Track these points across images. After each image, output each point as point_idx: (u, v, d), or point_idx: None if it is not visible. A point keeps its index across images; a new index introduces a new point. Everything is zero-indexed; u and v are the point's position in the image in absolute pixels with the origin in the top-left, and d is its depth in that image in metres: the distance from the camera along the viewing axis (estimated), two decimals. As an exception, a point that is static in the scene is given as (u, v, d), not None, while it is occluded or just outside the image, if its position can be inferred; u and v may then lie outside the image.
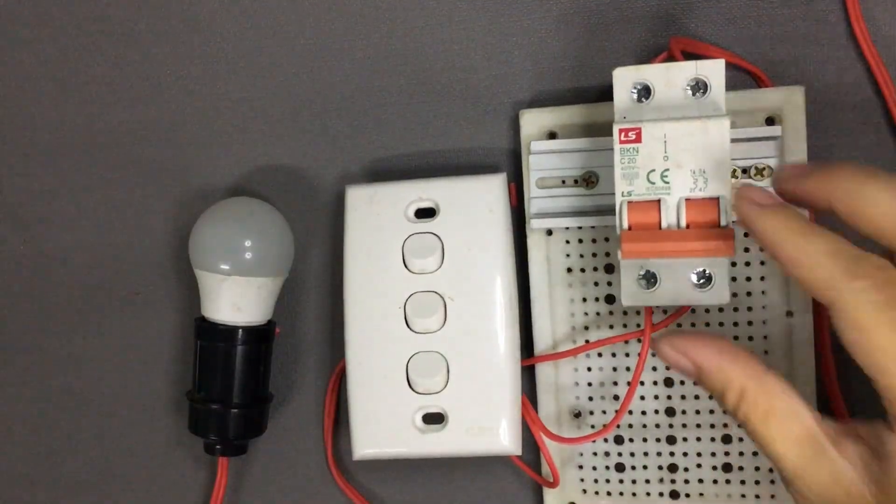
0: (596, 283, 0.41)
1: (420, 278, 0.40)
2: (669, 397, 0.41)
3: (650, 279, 0.37)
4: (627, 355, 0.41)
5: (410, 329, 0.40)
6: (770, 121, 0.39)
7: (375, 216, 0.41)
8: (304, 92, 0.45)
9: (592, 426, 0.42)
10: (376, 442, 0.41)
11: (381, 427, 0.41)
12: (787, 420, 0.29)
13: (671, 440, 0.41)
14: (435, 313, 0.40)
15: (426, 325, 0.40)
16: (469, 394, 0.40)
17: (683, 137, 0.35)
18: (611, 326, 0.41)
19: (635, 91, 0.36)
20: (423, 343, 0.40)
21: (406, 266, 0.41)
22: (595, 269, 0.41)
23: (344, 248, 0.41)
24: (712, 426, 0.40)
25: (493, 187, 0.40)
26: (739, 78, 0.40)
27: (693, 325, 0.40)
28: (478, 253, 0.40)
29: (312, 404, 0.46)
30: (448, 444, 0.40)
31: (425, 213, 0.41)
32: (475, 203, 0.40)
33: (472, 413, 0.40)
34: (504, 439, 0.40)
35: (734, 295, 0.40)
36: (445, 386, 0.40)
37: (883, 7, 0.40)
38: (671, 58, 0.40)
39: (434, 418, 0.41)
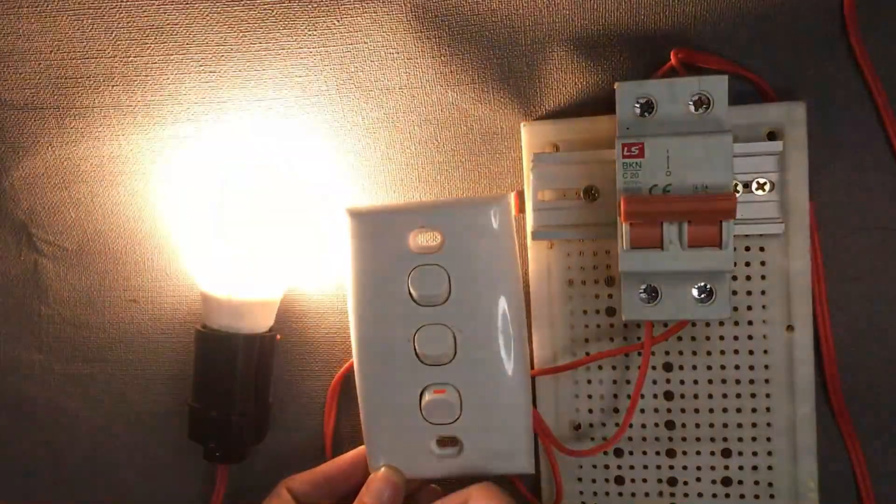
0: (596, 296, 0.41)
1: (428, 311, 0.40)
2: (669, 411, 0.41)
3: (651, 293, 0.37)
4: (627, 368, 0.41)
5: (421, 361, 0.40)
6: (772, 136, 0.39)
7: (379, 247, 0.40)
8: (308, 102, 0.45)
9: (592, 439, 0.42)
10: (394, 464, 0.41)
11: (398, 455, 0.41)
12: None
13: (671, 454, 0.41)
14: (444, 346, 0.40)
15: (436, 358, 0.40)
16: (483, 421, 0.40)
17: (686, 153, 0.35)
18: (611, 339, 0.41)
19: (638, 105, 0.37)
20: (434, 375, 0.40)
21: (413, 298, 0.40)
22: (596, 281, 0.41)
23: (348, 280, 0.41)
24: (712, 440, 0.41)
25: (497, 213, 0.39)
26: (741, 87, 0.40)
27: (693, 338, 0.40)
28: (485, 283, 0.39)
29: (312, 412, 0.46)
30: (464, 467, 0.40)
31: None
32: (480, 231, 0.39)
33: (487, 439, 0.40)
34: (519, 462, 0.40)
35: (735, 309, 0.40)
36: (459, 416, 0.40)
37: (878, 23, 0.40)
38: (673, 69, 0.40)
39: (449, 441, 0.41)
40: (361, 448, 0.42)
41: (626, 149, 0.36)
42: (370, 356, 0.40)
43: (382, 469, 0.40)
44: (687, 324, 0.40)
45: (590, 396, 0.42)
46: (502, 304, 0.39)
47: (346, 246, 0.41)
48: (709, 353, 0.40)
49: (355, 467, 0.42)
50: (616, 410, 0.41)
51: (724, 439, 0.40)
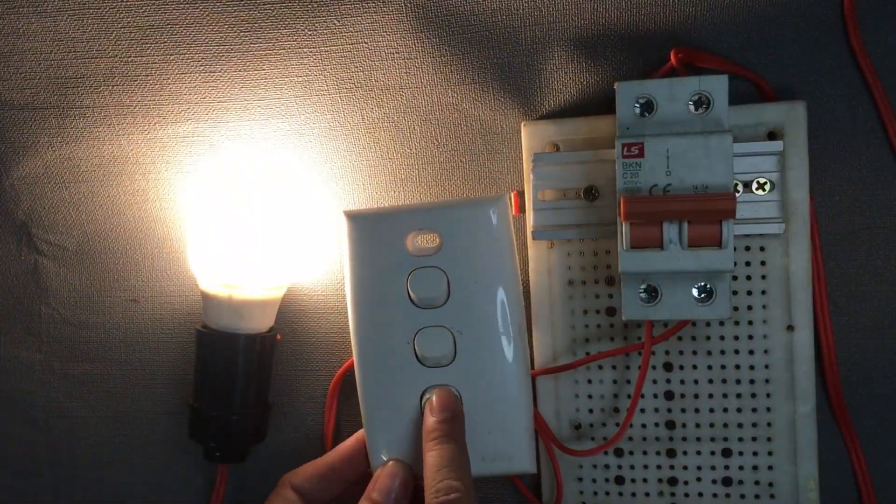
0: (597, 296, 0.41)
1: (427, 313, 0.40)
2: (670, 410, 0.41)
3: (651, 293, 0.37)
4: (628, 368, 0.41)
5: (421, 364, 0.40)
6: (772, 136, 0.39)
7: (377, 250, 0.40)
8: (306, 106, 0.45)
9: (592, 438, 0.42)
10: None
11: (399, 457, 0.40)
12: None
13: (671, 453, 0.41)
14: (444, 348, 0.40)
15: (436, 360, 0.40)
16: (484, 422, 0.40)
17: (686, 153, 0.35)
18: (611, 339, 0.41)
19: (638, 105, 0.37)
20: (434, 377, 0.40)
21: (412, 301, 0.40)
22: (596, 281, 0.41)
23: (347, 283, 0.41)
24: (712, 440, 0.41)
25: (495, 213, 0.39)
26: (741, 87, 0.40)
27: (693, 338, 0.40)
28: (485, 284, 0.39)
29: (313, 411, 0.46)
30: None
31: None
32: (478, 232, 0.39)
33: (489, 440, 0.40)
34: (521, 462, 0.40)
35: (735, 309, 0.40)
36: None
37: (878, 20, 0.40)
38: (673, 69, 0.40)
39: None
40: (360, 432, 0.42)
41: (626, 149, 0.36)
42: (370, 359, 0.40)
43: (390, 463, 0.40)
44: (687, 324, 0.40)
45: (590, 396, 0.42)
46: (502, 304, 0.39)
47: (344, 249, 0.41)
48: (709, 353, 0.40)
49: (357, 452, 0.41)
50: (616, 410, 0.41)
51: (725, 439, 0.40)
